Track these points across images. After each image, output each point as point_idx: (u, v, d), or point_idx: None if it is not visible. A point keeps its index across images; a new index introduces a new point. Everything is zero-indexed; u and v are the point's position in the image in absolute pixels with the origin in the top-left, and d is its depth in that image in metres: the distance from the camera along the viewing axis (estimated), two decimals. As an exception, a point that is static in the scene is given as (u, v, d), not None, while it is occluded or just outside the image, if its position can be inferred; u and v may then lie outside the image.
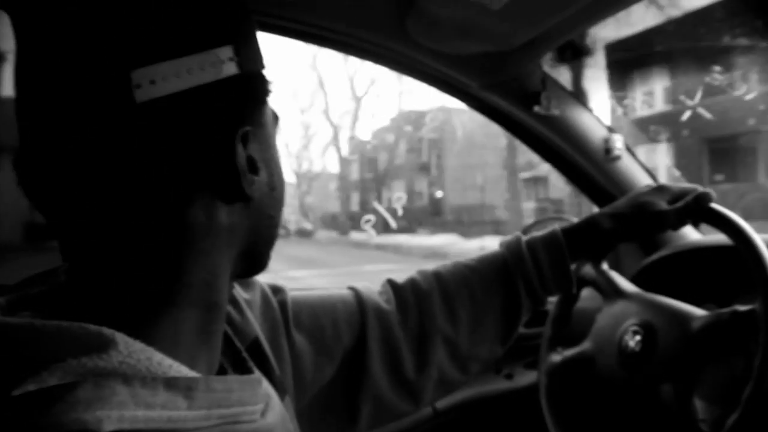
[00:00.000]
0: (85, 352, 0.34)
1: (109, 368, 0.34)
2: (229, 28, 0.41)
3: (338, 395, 0.64)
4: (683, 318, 0.75)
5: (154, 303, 0.39)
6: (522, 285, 0.69)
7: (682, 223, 0.76)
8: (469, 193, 11.97)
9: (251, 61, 0.42)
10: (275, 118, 0.48)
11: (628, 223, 0.73)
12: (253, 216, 0.44)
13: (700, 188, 0.76)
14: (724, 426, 0.67)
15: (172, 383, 0.35)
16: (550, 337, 0.93)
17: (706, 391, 0.73)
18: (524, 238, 0.72)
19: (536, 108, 0.94)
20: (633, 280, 0.89)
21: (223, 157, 0.40)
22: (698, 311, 0.75)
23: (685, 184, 0.80)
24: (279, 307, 0.62)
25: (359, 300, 0.67)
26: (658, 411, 0.76)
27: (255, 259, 0.47)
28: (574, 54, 0.91)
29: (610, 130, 1.04)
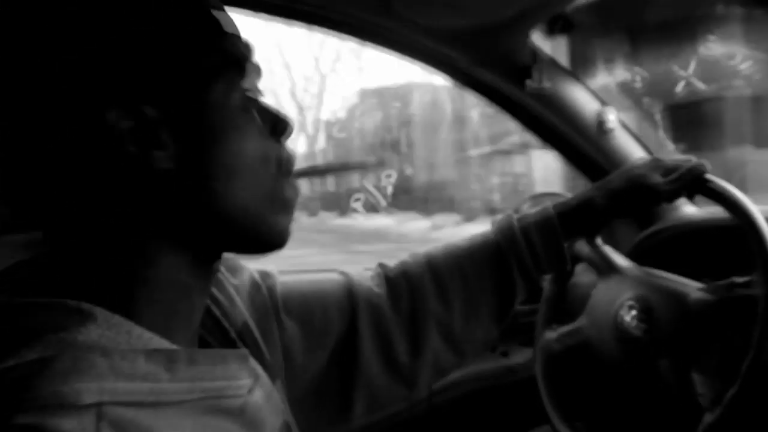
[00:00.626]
0: (64, 328, 0.34)
1: (89, 342, 0.34)
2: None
3: (331, 383, 0.63)
4: (679, 292, 0.75)
5: (126, 283, 0.40)
6: (515, 266, 0.68)
7: (677, 196, 0.75)
8: (441, 170, 11.94)
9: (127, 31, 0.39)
10: (237, 75, 0.44)
11: (622, 199, 0.72)
12: (181, 193, 0.40)
13: (695, 159, 0.74)
14: (723, 399, 0.67)
15: (152, 355, 0.35)
16: (545, 314, 0.92)
17: (704, 365, 0.73)
18: (516, 217, 0.70)
19: (528, 83, 0.92)
20: (628, 255, 0.87)
21: (90, 135, 0.38)
22: (695, 285, 0.74)
23: (680, 156, 0.79)
24: (268, 292, 0.61)
25: (349, 285, 0.65)
26: (656, 386, 0.76)
27: (232, 237, 0.44)
28: (565, 27, 0.89)
29: (603, 103, 1.03)
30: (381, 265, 0.70)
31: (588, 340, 0.85)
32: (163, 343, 0.38)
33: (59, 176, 0.38)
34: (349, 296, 0.65)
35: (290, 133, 0.48)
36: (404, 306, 0.66)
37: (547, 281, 0.92)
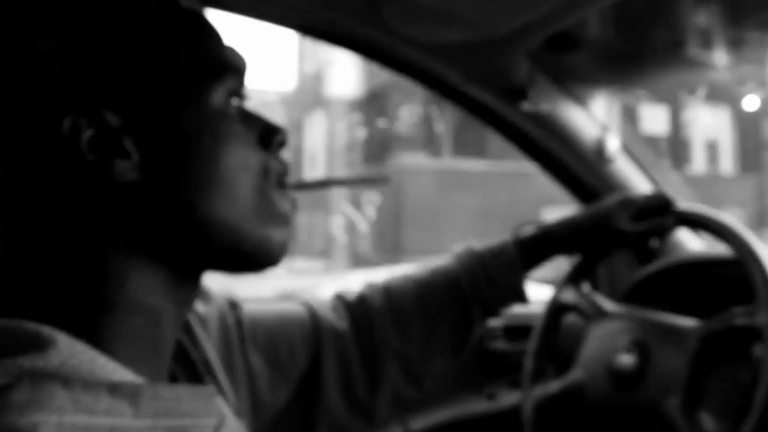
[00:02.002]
0: (21, 353, 0.32)
1: (48, 369, 0.32)
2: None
3: (295, 419, 0.62)
4: (677, 329, 0.72)
5: (91, 305, 0.37)
6: (474, 300, 0.68)
7: (646, 238, 0.75)
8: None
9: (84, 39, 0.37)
10: (218, 80, 0.41)
11: (584, 237, 0.72)
12: (152, 206, 0.38)
13: (668, 196, 0.74)
14: None
15: (116, 388, 0.33)
16: (533, 370, 0.85)
17: (712, 403, 0.69)
18: (476, 248, 0.70)
19: (524, 104, 0.87)
20: (627, 295, 0.84)
21: (44, 141, 0.36)
22: (690, 322, 0.71)
23: (654, 192, 0.78)
24: (235, 325, 0.58)
25: (314, 318, 0.64)
26: (663, 429, 0.70)
27: (213, 253, 0.41)
28: (568, 45, 0.84)
29: (605, 128, 0.98)
30: (340, 297, 0.68)
31: (584, 391, 0.80)
32: (128, 376, 0.36)
33: (8, 181, 0.36)
34: (314, 330, 0.63)
35: (283, 143, 0.45)
36: (364, 340, 0.65)
37: (533, 335, 0.87)
